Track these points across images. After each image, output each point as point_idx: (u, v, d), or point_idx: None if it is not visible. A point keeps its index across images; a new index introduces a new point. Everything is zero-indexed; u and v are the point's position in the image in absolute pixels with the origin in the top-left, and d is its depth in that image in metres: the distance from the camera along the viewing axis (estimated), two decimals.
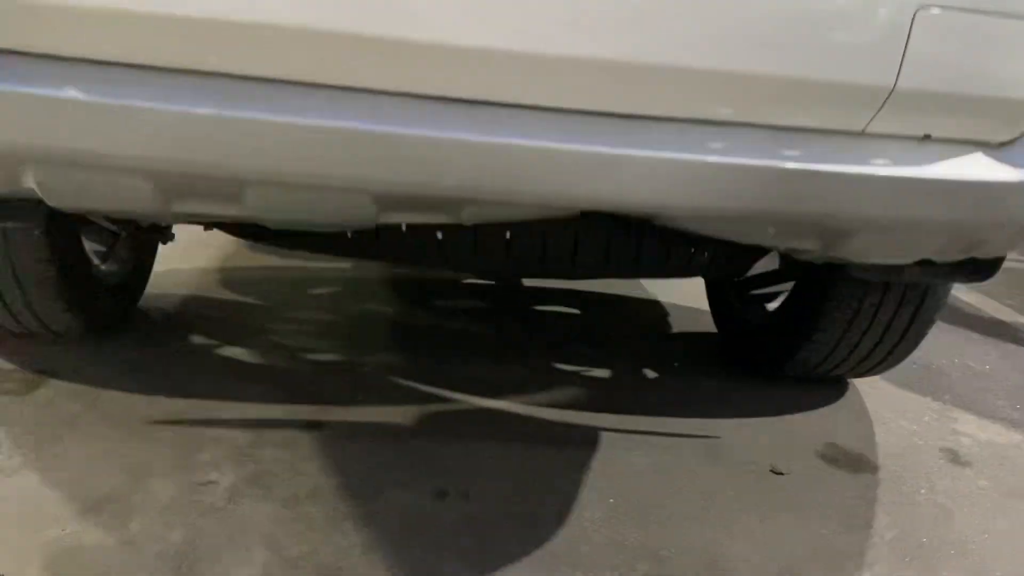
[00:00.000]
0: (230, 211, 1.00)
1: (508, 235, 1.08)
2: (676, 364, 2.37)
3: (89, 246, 2.13)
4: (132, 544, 1.33)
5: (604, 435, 1.85)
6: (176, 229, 2.38)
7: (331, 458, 1.65)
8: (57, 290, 1.84)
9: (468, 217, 1.02)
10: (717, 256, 1.19)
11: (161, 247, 2.70)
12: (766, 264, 2.53)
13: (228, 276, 2.76)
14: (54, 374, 1.88)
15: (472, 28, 0.89)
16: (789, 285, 2.25)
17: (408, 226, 1.08)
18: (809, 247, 1.12)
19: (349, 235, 1.61)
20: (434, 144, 0.88)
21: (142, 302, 2.38)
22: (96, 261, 2.16)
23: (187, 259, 2.86)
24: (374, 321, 2.48)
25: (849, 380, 2.34)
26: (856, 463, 1.87)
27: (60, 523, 1.37)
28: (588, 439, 1.84)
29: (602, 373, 2.23)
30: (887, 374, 2.40)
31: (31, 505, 1.41)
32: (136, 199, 0.96)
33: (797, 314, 2.11)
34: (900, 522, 1.64)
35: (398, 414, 1.86)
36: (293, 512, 1.46)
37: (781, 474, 1.78)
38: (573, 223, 1.09)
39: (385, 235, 1.10)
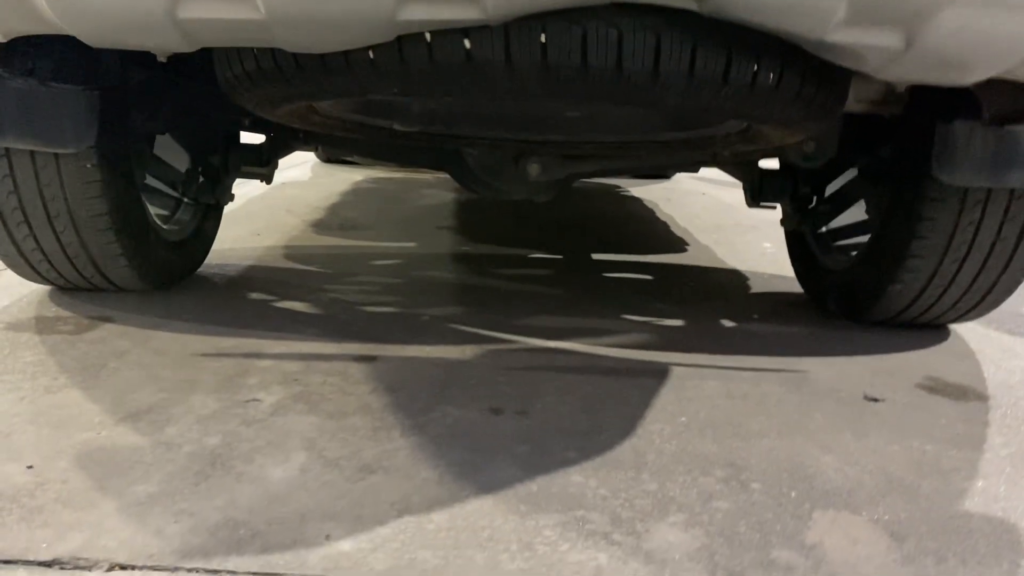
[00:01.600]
0: (240, 13, 0.93)
1: (543, 38, 0.98)
2: (756, 316, 2.20)
3: (153, 211, 2.13)
4: (165, 445, 1.26)
5: (675, 369, 1.71)
6: (249, 215, 2.37)
7: (382, 382, 1.56)
8: (112, 233, 1.82)
9: (493, 7, 0.92)
10: (784, 79, 1.06)
11: (232, 230, 2.71)
12: (852, 216, 2.37)
13: (293, 251, 2.73)
14: (109, 320, 1.85)
15: None
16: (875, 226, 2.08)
17: (433, 41, 0.99)
18: (887, 42, 0.97)
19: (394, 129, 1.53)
20: None
21: (205, 270, 2.36)
22: (159, 221, 2.15)
23: (256, 241, 2.85)
24: (436, 283, 2.40)
25: (950, 327, 2.13)
26: (961, 393, 1.67)
27: (96, 428, 1.31)
28: (657, 371, 1.70)
29: (675, 323, 2.09)
30: (994, 324, 2.19)
31: (70, 414, 1.35)
32: (144, 13, 0.90)
33: (886, 247, 1.93)
34: (1017, 441, 1.45)
35: (455, 351, 1.76)
36: (338, 423, 1.37)
37: (876, 400, 1.60)
38: (615, 20, 0.99)
39: (414, 67, 1.01)
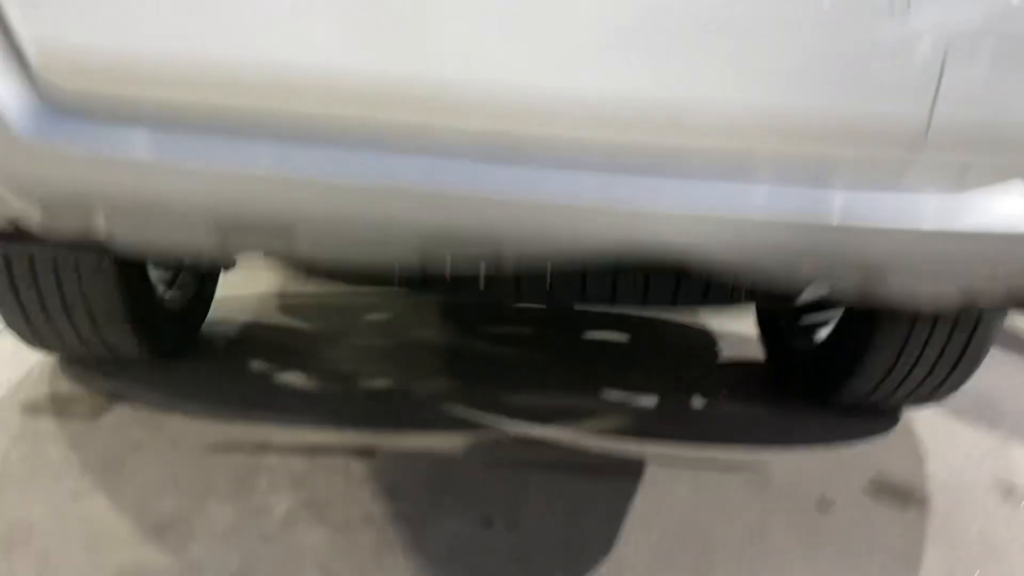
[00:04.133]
0: (284, 247, 1.06)
1: (548, 273, 1.12)
2: (724, 392, 2.37)
3: (155, 275, 2.23)
4: (193, 569, 1.40)
5: (649, 464, 1.87)
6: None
7: (383, 485, 1.70)
8: (124, 318, 1.93)
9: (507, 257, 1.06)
10: (758, 290, 1.21)
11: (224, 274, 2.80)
12: (816, 291, 2.53)
13: (285, 302, 2.84)
14: (122, 399, 1.96)
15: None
16: (840, 313, 2.24)
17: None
18: (850, 284, 1.13)
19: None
20: (474, 198, 0.93)
21: (206, 328, 2.47)
22: (161, 289, 2.25)
23: (247, 285, 2.95)
24: (425, 348, 2.54)
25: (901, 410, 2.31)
26: (905, 498, 1.85)
27: (126, 547, 1.44)
28: (633, 469, 1.86)
29: (649, 402, 2.25)
30: (942, 404, 2.36)
31: (98, 528, 1.48)
32: (193, 239, 1.03)
33: (846, 342, 2.10)
34: (949, 559, 1.63)
35: (447, 442, 1.90)
36: (345, 539, 1.51)
37: (830, 504, 1.77)
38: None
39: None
